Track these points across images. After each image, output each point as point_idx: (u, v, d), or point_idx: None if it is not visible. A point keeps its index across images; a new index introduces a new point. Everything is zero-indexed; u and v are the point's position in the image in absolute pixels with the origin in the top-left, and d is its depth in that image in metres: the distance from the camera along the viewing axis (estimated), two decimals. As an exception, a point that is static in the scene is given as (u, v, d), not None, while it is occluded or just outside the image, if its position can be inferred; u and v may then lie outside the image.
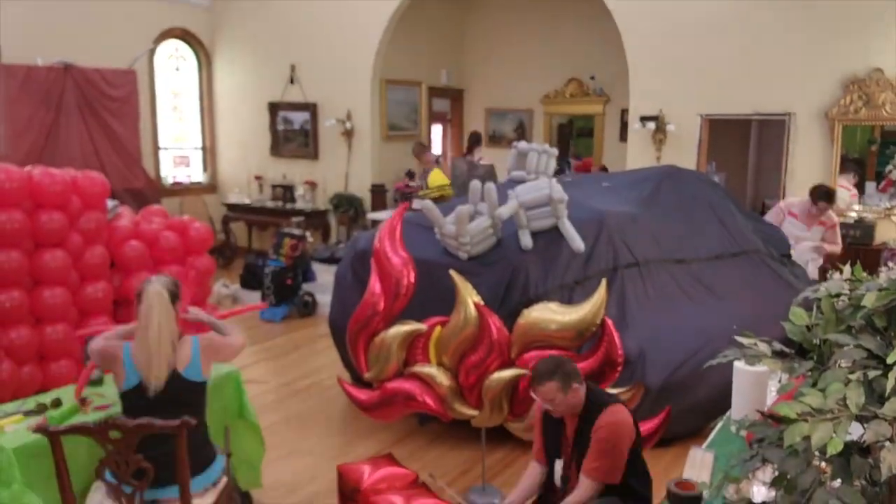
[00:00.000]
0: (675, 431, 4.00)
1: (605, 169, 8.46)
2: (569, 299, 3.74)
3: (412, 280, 3.31)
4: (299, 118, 9.01)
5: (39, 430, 2.25)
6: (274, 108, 9.13)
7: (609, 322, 2.92)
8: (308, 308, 6.85)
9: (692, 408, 4.02)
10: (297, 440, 4.21)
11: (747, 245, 5.11)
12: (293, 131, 9.10)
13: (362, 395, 3.45)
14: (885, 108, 5.99)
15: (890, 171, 6.19)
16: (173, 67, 9.28)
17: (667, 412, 2.94)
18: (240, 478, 3.33)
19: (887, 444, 1.21)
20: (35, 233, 4.08)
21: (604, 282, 2.98)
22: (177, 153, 9.49)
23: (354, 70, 8.47)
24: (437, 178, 7.31)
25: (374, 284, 3.35)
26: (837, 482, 1.32)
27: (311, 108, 8.85)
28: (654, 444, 3.02)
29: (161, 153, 9.09)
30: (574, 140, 10.21)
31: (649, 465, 3.82)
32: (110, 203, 4.73)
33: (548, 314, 3.03)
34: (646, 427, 2.96)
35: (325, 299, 6.07)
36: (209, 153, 9.73)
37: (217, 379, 3.23)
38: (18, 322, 4.01)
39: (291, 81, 8.93)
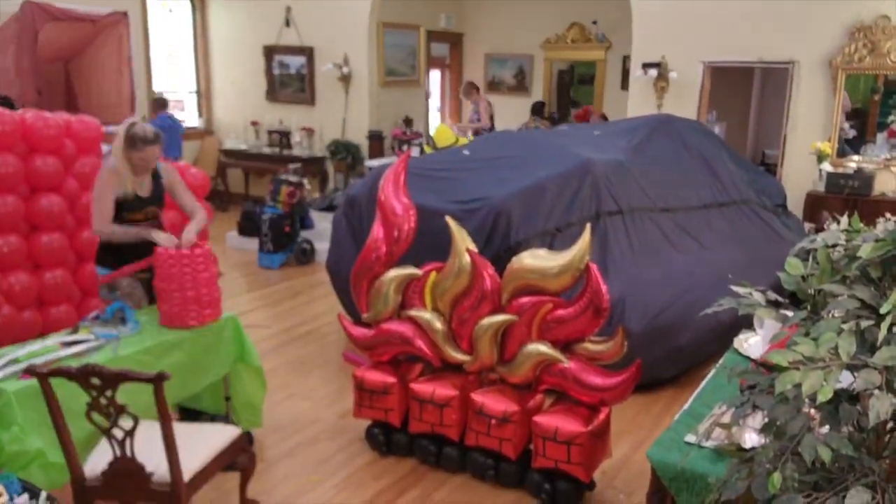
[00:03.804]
0: (658, 376, 4.10)
1: (605, 117, 8.37)
2: (550, 246, 3.79)
3: (412, 225, 3.34)
4: (295, 62, 8.84)
5: (29, 371, 2.30)
6: (269, 51, 8.96)
7: (593, 267, 2.94)
8: (306, 255, 6.87)
9: (675, 353, 4.10)
10: (296, 384, 4.28)
11: (737, 195, 5.12)
12: (289, 76, 8.95)
13: (359, 333, 3.52)
14: (889, 57, 5.89)
15: (893, 121, 6.14)
16: (166, 9, 9.06)
17: (637, 365, 2.97)
18: (241, 419, 3.41)
19: (876, 391, 1.23)
20: (30, 177, 4.05)
21: (588, 227, 2.98)
22: (171, 97, 9.34)
23: (351, 13, 8.28)
24: (444, 135, 7.21)
25: (378, 230, 3.39)
26: (826, 428, 1.36)
27: (307, 52, 8.68)
28: (632, 393, 3.05)
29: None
30: (574, 87, 10.07)
31: (639, 416, 3.95)
32: (105, 148, 4.68)
33: (538, 261, 3.05)
34: (613, 381, 2.99)
35: (322, 246, 6.08)
36: (204, 97, 9.59)
37: (216, 324, 3.28)
38: (17, 267, 4.02)
39: (287, 24, 8.74)
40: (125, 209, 3.37)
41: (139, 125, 3.35)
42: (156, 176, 3.50)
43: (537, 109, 8.49)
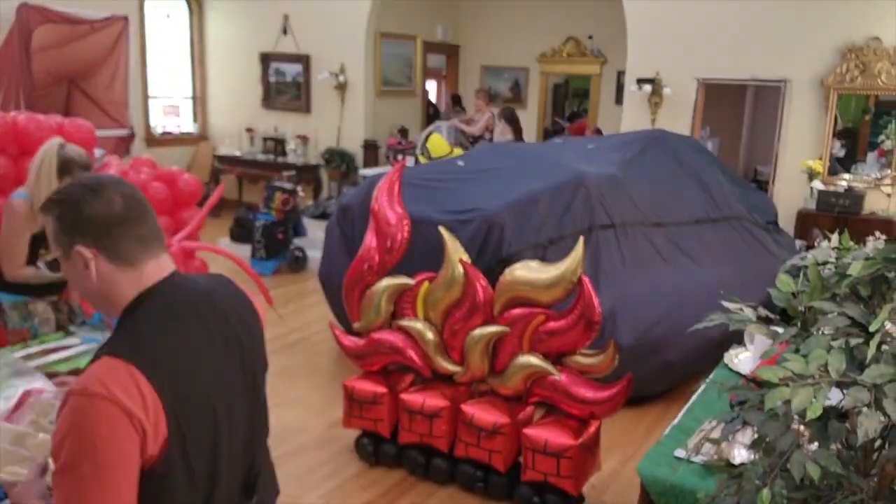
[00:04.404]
0: (648, 390, 4.10)
1: (599, 131, 8.42)
2: (542, 258, 3.80)
3: (406, 235, 3.34)
4: (292, 70, 8.86)
5: None
6: (266, 59, 8.98)
7: (586, 280, 2.94)
8: (298, 263, 6.85)
9: (665, 368, 4.11)
10: (285, 393, 4.26)
11: (729, 211, 5.15)
12: (285, 83, 8.96)
13: (349, 342, 3.50)
14: (881, 78, 5.96)
15: (883, 141, 6.20)
16: (164, 15, 9.07)
17: (628, 379, 2.97)
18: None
19: (865, 409, 1.24)
20: (21, 179, 4.03)
21: (581, 239, 2.99)
22: (166, 102, 9.34)
23: (349, 22, 8.31)
24: (438, 145, 7.22)
25: (371, 239, 3.38)
26: (815, 445, 1.36)
27: (303, 59, 8.70)
28: (622, 407, 3.05)
29: (150, 102, 8.94)
30: (570, 101, 10.14)
31: (629, 430, 3.95)
32: (98, 152, 4.66)
33: (530, 273, 3.05)
34: (604, 394, 2.99)
35: (315, 254, 6.07)
36: (199, 103, 9.59)
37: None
38: (6, 269, 3.99)
39: (284, 32, 8.76)
40: (40, 245, 2.93)
41: (70, 146, 2.94)
42: None
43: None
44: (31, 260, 2.95)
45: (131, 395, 1.19)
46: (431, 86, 10.33)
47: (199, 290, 1.43)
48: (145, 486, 1.21)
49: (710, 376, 2.91)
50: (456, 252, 3.19)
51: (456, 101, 9.54)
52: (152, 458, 1.22)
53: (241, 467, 1.42)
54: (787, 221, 6.03)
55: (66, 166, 2.89)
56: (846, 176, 6.30)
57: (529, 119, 9.34)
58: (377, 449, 3.47)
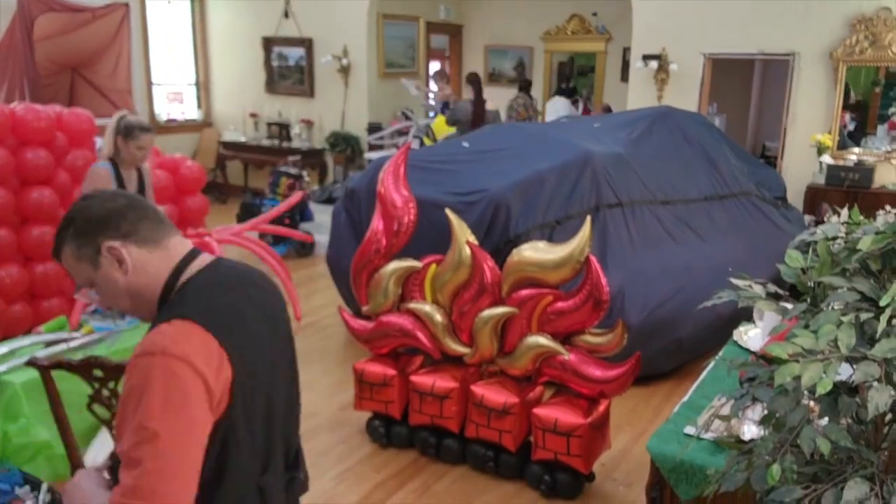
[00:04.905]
0: (657, 369, 4.10)
1: (609, 109, 8.35)
2: (549, 238, 3.79)
3: (412, 218, 3.34)
4: (294, 54, 8.81)
5: (30, 363, 2.30)
6: (268, 43, 8.93)
7: (593, 259, 2.94)
8: (306, 248, 6.86)
9: (674, 346, 4.10)
10: (295, 377, 4.28)
11: (738, 187, 5.12)
12: (288, 68, 8.92)
13: (359, 325, 3.52)
14: (891, 49, 5.87)
15: (893, 114, 6.12)
16: (165, 0, 9.02)
17: (637, 358, 2.97)
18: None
19: (875, 384, 1.23)
20: (20, 170, 4.04)
21: (588, 219, 2.98)
22: (170, 89, 9.32)
23: (351, 3, 8.24)
24: (439, 126, 7.19)
25: (377, 223, 3.38)
26: (825, 420, 1.36)
27: (306, 43, 8.65)
28: (631, 385, 3.05)
29: (154, 89, 8.92)
30: (574, 78, 10.04)
31: (638, 408, 3.96)
32: (99, 141, 4.67)
33: (538, 253, 3.05)
34: (613, 373, 2.99)
35: (322, 239, 6.07)
36: (203, 89, 9.56)
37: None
38: (7, 260, 4.01)
39: (286, 16, 8.71)
40: None
41: (131, 115, 3.35)
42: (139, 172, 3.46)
43: (524, 87, 8.39)
44: None
45: (207, 359, 1.21)
46: (435, 67, 10.24)
47: (239, 268, 1.43)
48: (210, 448, 1.23)
49: (720, 353, 2.91)
50: (463, 234, 3.19)
51: (523, 87, 8.61)
52: (214, 424, 1.24)
53: (283, 442, 1.45)
54: (796, 197, 5.98)
55: (127, 130, 3.27)
56: (856, 150, 6.24)
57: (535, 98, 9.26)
58: (388, 431, 3.50)
